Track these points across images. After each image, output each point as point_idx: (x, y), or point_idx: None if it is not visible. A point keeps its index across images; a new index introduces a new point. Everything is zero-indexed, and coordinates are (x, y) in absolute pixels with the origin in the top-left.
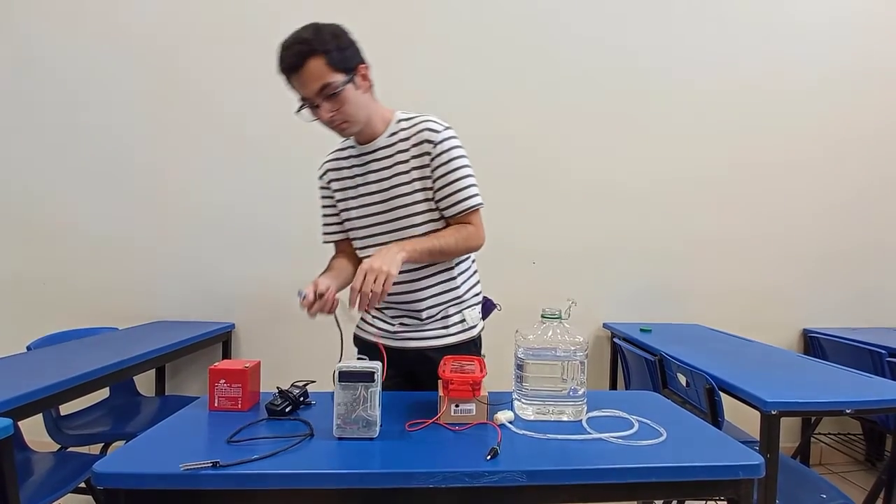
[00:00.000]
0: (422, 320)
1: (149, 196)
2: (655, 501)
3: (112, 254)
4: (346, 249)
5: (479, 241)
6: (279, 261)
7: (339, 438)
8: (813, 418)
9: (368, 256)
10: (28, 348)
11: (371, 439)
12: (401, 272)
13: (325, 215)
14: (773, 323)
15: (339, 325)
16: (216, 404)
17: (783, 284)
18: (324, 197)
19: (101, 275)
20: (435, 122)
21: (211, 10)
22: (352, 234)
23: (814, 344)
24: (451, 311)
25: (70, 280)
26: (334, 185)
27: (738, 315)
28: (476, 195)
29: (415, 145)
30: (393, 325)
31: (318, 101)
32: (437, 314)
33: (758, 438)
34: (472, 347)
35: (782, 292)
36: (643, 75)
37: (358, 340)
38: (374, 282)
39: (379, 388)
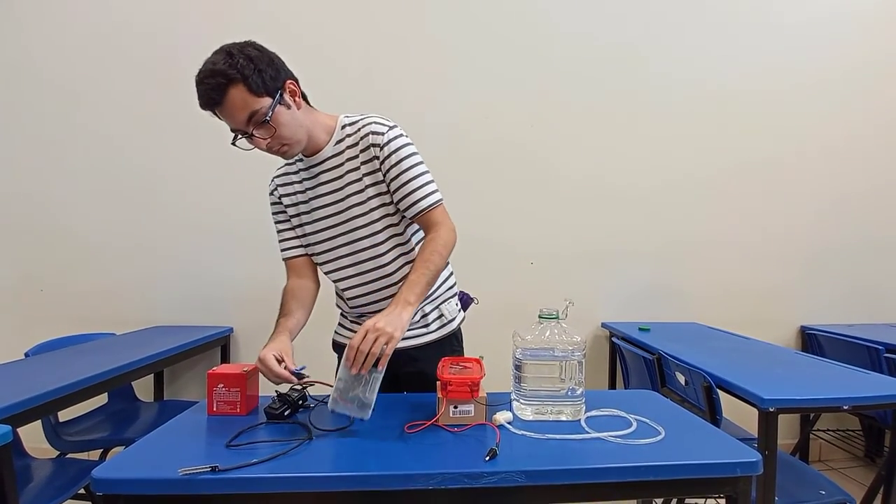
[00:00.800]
0: None
1: (146, 201)
2: (654, 500)
3: (110, 259)
4: (304, 268)
5: (453, 236)
6: (277, 264)
7: (332, 412)
8: (812, 415)
9: (333, 272)
10: (26, 355)
11: (362, 420)
12: (374, 279)
13: (280, 231)
14: (770, 320)
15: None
16: (215, 409)
17: (781, 282)
18: (276, 213)
19: (99, 280)
20: (378, 122)
21: (212, 10)
22: (311, 251)
23: (811, 341)
24: (428, 308)
25: (67, 286)
26: (286, 201)
27: (736, 313)
28: (434, 192)
29: (362, 150)
30: None
31: (250, 129)
32: (414, 314)
33: (756, 436)
34: (453, 342)
35: (780, 290)
36: (641, 75)
37: (337, 346)
38: (375, 342)
39: (381, 375)
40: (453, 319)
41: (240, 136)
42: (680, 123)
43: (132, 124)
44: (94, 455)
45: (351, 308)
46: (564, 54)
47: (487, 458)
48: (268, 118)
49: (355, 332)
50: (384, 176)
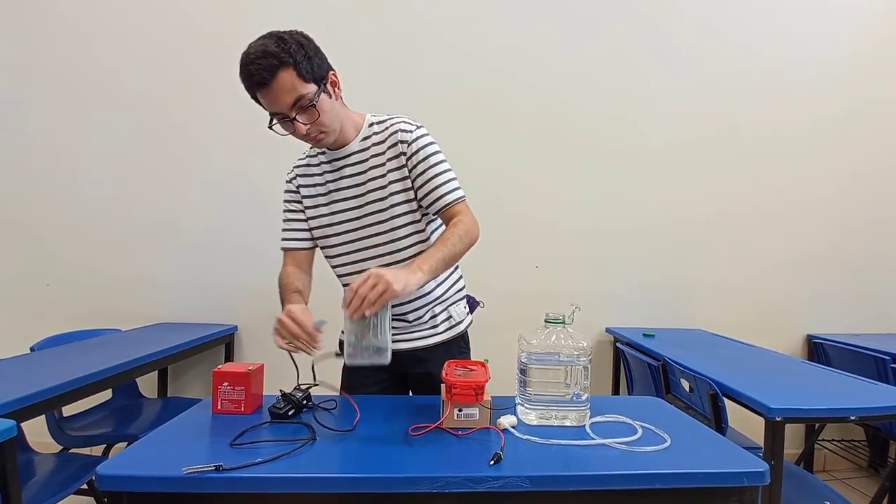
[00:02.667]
0: (409, 322)
1: (152, 197)
2: None
3: (115, 255)
4: (303, 261)
5: (476, 229)
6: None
7: (350, 366)
8: (817, 425)
9: (343, 266)
10: (31, 349)
11: (383, 365)
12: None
13: (288, 220)
14: (776, 329)
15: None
16: (219, 407)
17: (787, 290)
18: (290, 202)
19: (105, 276)
20: (406, 121)
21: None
22: (322, 243)
23: (817, 350)
24: (437, 309)
25: (74, 281)
26: (304, 192)
27: (742, 320)
28: (458, 188)
29: (389, 147)
30: None
31: (293, 114)
32: (423, 315)
33: (761, 445)
34: (461, 343)
35: (786, 298)
36: (646, 77)
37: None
38: (374, 288)
39: (389, 312)
40: (461, 321)
41: (277, 120)
42: (686, 128)
43: (139, 119)
44: (98, 450)
45: None
46: (573, 56)
47: (492, 463)
48: (314, 103)
49: None
50: (410, 172)
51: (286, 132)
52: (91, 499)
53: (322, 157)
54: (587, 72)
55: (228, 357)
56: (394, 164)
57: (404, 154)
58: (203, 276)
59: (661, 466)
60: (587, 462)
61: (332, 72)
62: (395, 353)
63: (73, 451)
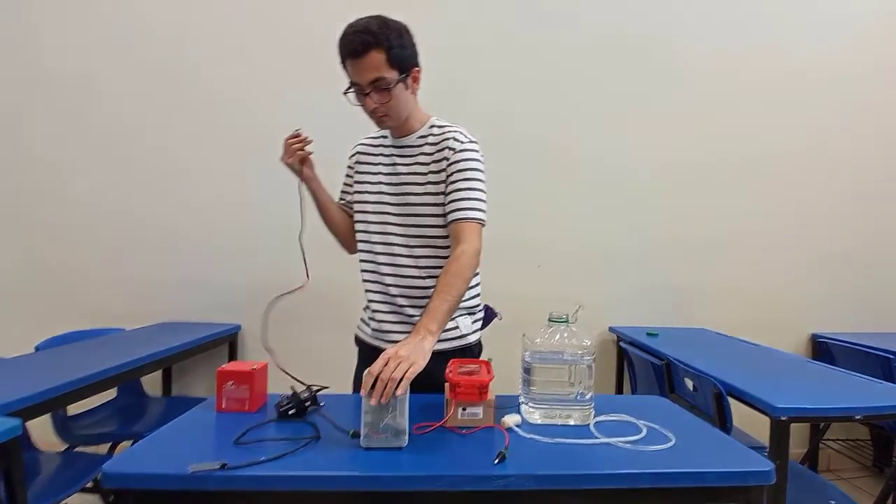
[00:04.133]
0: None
1: (156, 197)
2: None
3: (119, 255)
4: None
5: (475, 261)
6: (286, 264)
7: (367, 448)
8: (821, 424)
9: (366, 234)
10: (36, 349)
11: (399, 449)
12: (400, 285)
13: (345, 184)
14: (780, 327)
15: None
16: (224, 405)
17: (791, 288)
18: (347, 176)
19: (110, 276)
20: (462, 133)
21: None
22: (359, 215)
23: (822, 348)
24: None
25: (79, 281)
26: (358, 168)
27: (746, 319)
28: (478, 209)
29: (438, 150)
30: (388, 332)
31: (368, 90)
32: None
33: (765, 444)
34: (467, 355)
35: (790, 296)
36: (653, 74)
37: (358, 341)
38: (396, 369)
39: (407, 395)
40: (466, 335)
41: (355, 90)
42: (692, 126)
43: (144, 122)
44: (103, 449)
45: (365, 291)
46: (578, 52)
47: (496, 462)
48: (390, 87)
49: (369, 326)
50: (447, 178)
51: (357, 103)
52: (96, 497)
53: (384, 140)
54: (592, 70)
55: (232, 356)
56: (435, 167)
57: (447, 159)
58: (206, 275)
59: (666, 466)
60: (592, 461)
61: (417, 69)
62: None
63: (77, 449)
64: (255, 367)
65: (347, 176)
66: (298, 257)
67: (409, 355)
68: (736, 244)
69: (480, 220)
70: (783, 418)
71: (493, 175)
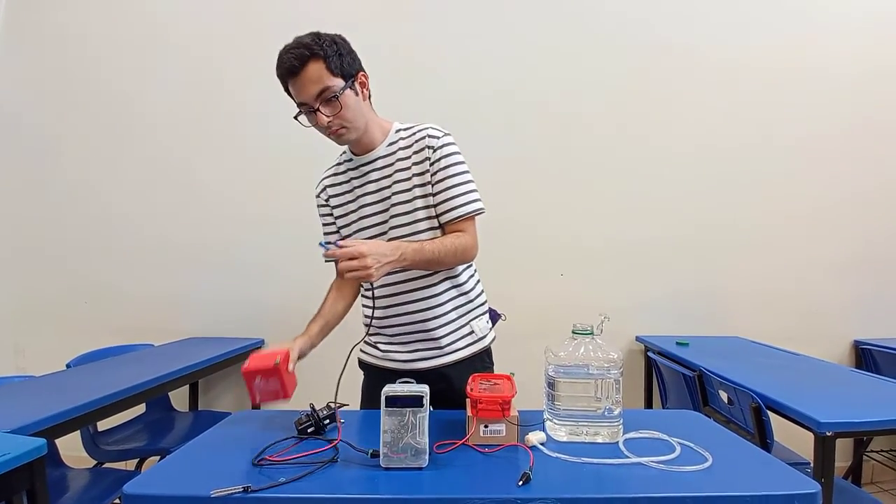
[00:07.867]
0: (436, 339)
1: (183, 219)
2: None
3: (148, 274)
4: None
5: (472, 252)
6: (309, 279)
7: (387, 469)
8: (865, 437)
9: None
10: (67, 366)
11: (420, 468)
12: (416, 300)
13: (326, 233)
14: (820, 334)
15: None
16: (258, 400)
17: (831, 293)
18: (323, 215)
19: (138, 294)
20: (435, 128)
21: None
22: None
23: (866, 356)
24: (462, 322)
25: (108, 299)
26: (333, 202)
27: (783, 327)
28: (475, 201)
29: (415, 152)
30: (407, 352)
31: (316, 105)
32: (452, 330)
33: (807, 459)
34: (485, 359)
35: (830, 301)
36: (679, 74)
37: (362, 364)
38: (354, 271)
39: (427, 413)
40: (484, 336)
41: (304, 111)
42: (716, 129)
43: (167, 143)
44: (131, 465)
45: (364, 316)
46: (595, 53)
47: (520, 483)
48: (337, 96)
49: (375, 348)
50: (431, 177)
51: (309, 124)
52: None
53: (348, 164)
54: (611, 75)
55: None
56: (417, 169)
57: (428, 159)
58: (231, 292)
59: (703, 488)
60: (623, 483)
61: (362, 73)
62: (416, 372)
63: (106, 465)
64: (277, 360)
65: (324, 215)
66: (318, 273)
67: (373, 266)
68: (769, 248)
69: (478, 210)
70: (828, 434)
71: (516, 184)
